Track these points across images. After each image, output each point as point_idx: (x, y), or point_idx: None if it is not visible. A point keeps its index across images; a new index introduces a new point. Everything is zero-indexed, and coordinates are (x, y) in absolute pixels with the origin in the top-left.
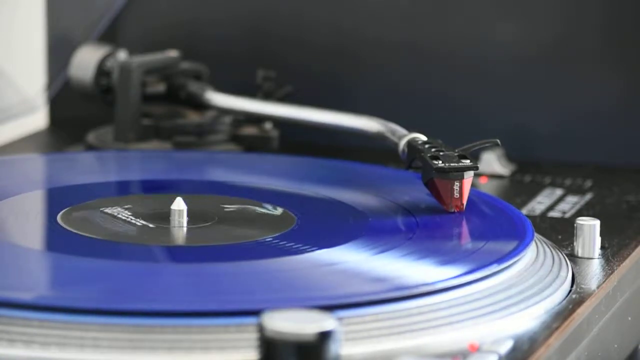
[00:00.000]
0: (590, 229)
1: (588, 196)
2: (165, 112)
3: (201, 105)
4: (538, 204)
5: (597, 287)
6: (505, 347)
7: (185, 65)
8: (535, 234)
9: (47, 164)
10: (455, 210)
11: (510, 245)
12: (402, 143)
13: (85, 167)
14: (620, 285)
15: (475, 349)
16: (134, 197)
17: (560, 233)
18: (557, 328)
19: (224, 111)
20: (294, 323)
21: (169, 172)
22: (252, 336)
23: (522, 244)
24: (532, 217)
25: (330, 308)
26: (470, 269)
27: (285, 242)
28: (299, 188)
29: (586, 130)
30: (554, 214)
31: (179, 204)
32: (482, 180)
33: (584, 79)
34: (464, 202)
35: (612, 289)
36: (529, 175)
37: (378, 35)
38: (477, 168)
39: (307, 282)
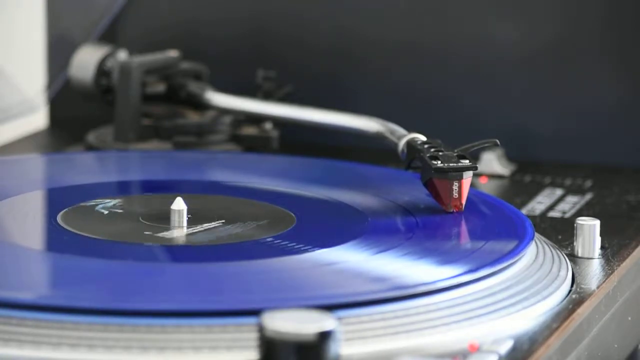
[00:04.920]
0: (590, 229)
1: (588, 196)
2: (165, 112)
3: (201, 105)
4: (538, 204)
5: (597, 287)
6: (505, 347)
7: (185, 65)
8: (535, 234)
9: (47, 164)
10: (454, 210)
11: (510, 245)
12: (402, 143)
13: (85, 167)
14: (620, 285)
15: (475, 349)
16: (134, 197)
17: (560, 233)
18: (557, 328)
19: (224, 111)
20: (294, 323)
21: (169, 172)
22: (252, 336)
23: (522, 243)
24: (532, 217)
25: (330, 308)
26: (470, 269)
27: (285, 242)
28: (299, 188)
29: (586, 130)
30: (554, 214)
31: (179, 204)
32: (482, 180)
33: (584, 79)
34: (463, 202)
35: (612, 289)
36: (529, 175)
37: (378, 36)
38: (476, 168)
39: (307, 282)
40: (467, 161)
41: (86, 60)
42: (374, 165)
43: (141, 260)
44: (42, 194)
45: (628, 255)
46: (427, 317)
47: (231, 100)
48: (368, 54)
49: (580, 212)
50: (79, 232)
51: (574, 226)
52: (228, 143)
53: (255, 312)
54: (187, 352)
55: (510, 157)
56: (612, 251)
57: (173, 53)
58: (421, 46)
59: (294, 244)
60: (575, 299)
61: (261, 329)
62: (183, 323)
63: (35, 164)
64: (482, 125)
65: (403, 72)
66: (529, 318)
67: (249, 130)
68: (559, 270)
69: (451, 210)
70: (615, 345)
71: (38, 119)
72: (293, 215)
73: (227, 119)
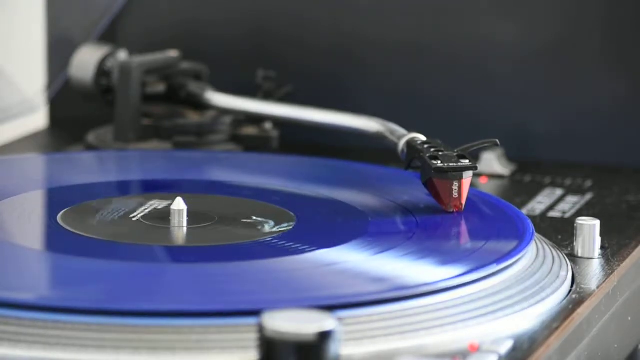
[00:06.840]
0: (590, 229)
1: (588, 196)
2: (165, 112)
3: (201, 105)
4: (538, 204)
5: (597, 287)
6: (505, 347)
7: (185, 65)
8: (535, 234)
9: (47, 164)
10: (454, 210)
11: (510, 245)
12: (402, 143)
13: (85, 167)
14: (620, 285)
15: (475, 349)
16: (134, 197)
17: (560, 233)
18: (557, 328)
19: (224, 111)
20: (294, 323)
21: (169, 172)
22: (252, 336)
23: (522, 243)
24: (532, 217)
25: (330, 308)
26: (470, 269)
27: (285, 242)
28: (299, 188)
29: (586, 129)
30: (554, 214)
31: (179, 204)
32: (482, 180)
33: (584, 79)
34: (463, 202)
35: (612, 289)
36: (529, 175)
37: (378, 35)
38: (476, 168)
39: (307, 282)
40: (467, 161)
41: (86, 60)
42: (374, 165)
43: (141, 261)
44: (42, 194)
45: (628, 255)
46: (427, 317)
47: (231, 100)
48: (368, 54)
49: (580, 212)
50: (79, 232)
51: (574, 226)
52: (228, 143)
53: (255, 312)
54: (188, 353)
55: (510, 157)
56: (612, 251)
57: (173, 53)
58: (421, 46)
59: (294, 244)
60: (575, 299)
61: (261, 329)
62: (183, 323)
63: (35, 164)
64: (482, 125)
65: (403, 72)
66: (529, 318)
67: (249, 130)
68: (559, 270)
69: (451, 210)
70: (615, 345)
71: (38, 119)
72: (293, 215)
73: (227, 119)
